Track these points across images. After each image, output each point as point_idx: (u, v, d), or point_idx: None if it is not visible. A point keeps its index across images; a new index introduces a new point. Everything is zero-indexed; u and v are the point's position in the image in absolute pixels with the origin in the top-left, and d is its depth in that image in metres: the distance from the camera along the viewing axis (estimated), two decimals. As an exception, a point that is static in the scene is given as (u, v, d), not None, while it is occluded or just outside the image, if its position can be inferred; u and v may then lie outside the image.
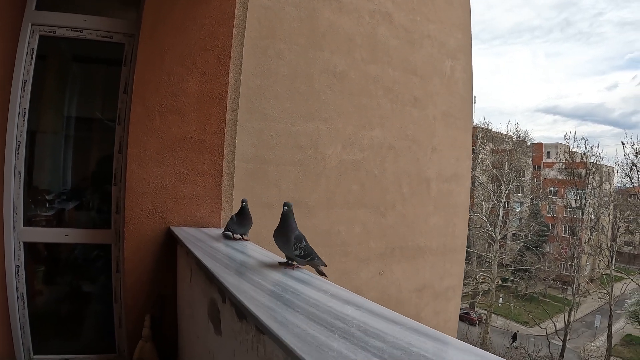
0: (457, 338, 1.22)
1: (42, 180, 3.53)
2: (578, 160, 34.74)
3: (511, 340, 27.95)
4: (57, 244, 3.41)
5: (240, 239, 2.79)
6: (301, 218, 4.03)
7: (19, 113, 3.15)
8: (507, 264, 33.28)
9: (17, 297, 3.17)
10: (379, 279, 4.67)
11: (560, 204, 36.25)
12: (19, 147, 3.17)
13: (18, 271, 3.17)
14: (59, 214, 3.45)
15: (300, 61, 3.98)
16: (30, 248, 3.26)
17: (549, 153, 41.66)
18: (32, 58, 3.19)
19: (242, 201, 2.76)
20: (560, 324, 28.94)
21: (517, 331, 29.05)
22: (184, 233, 2.99)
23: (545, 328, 28.56)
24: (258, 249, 2.59)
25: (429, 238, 5.17)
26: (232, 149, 3.32)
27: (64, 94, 3.62)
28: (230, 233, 2.83)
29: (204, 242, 2.74)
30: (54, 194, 3.50)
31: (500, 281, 32.13)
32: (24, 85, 3.17)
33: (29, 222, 3.24)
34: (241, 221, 2.75)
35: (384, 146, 4.53)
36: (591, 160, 33.19)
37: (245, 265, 2.19)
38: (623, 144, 35.25)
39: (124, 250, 3.12)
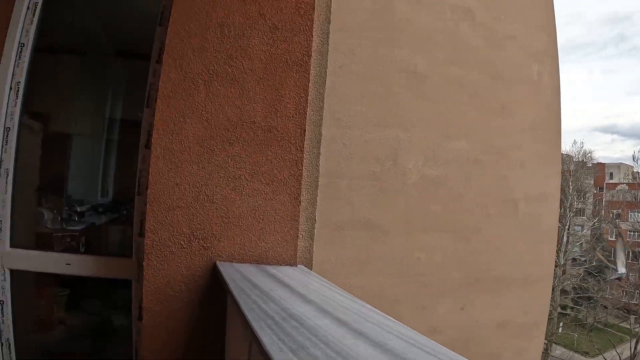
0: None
1: (39, 183, 2.67)
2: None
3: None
4: (55, 276, 2.51)
5: None
6: (373, 243, 3.47)
7: (11, 88, 2.34)
8: (568, 291, 31.44)
9: (2, 344, 2.32)
10: (458, 314, 4.01)
11: (624, 227, 34.30)
12: (7, 135, 2.32)
13: (2, 309, 2.32)
14: (60, 232, 2.57)
15: (376, 59, 3.40)
16: (19, 278, 2.35)
17: (611, 174, 39.67)
18: (33, 15, 2.36)
19: None
20: (624, 355, 27.22)
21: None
22: (237, 277, 1.94)
23: (612, 360, 26.79)
24: (383, 320, 1.41)
25: (514, 267, 4.46)
26: (317, 145, 2.34)
27: (77, 66, 2.75)
28: None
29: (275, 303, 1.54)
30: (58, 203, 2.63)
31: (560, 308, 30.34)
32: (20, 51, 2.35)
33: (17, 241, 2.35)
34: None
35: (470, 160, 3.88)
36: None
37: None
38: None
39: (142, 295, 2.16)
